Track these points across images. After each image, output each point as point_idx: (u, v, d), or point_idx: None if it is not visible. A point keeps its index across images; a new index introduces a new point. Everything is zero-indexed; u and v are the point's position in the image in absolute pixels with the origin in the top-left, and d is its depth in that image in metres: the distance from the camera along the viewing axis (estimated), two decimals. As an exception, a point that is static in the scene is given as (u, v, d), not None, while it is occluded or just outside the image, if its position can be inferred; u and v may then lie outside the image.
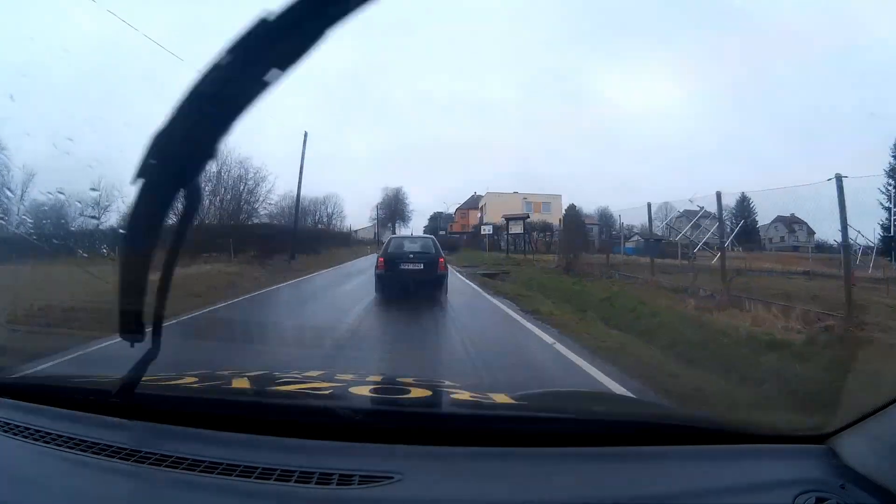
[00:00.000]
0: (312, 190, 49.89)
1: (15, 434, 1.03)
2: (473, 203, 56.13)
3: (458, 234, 49.09)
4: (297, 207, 22.98)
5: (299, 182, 21.78)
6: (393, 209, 54.94)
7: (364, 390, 1.34)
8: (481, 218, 46.74)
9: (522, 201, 41.28)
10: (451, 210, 58.63)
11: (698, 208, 11.69)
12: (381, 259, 9.00)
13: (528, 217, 32.47)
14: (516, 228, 27.66)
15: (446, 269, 9.53)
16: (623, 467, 0.94)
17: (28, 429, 1.03)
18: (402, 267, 8.77)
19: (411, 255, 9.01)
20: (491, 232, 31.04)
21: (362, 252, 29.98)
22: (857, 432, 0.97)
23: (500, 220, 32.35)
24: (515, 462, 0.94)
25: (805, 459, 0.97)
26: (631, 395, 3.35)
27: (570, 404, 1.45)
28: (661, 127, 64.68)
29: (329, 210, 50.14)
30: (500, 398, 1.24)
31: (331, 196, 50.35)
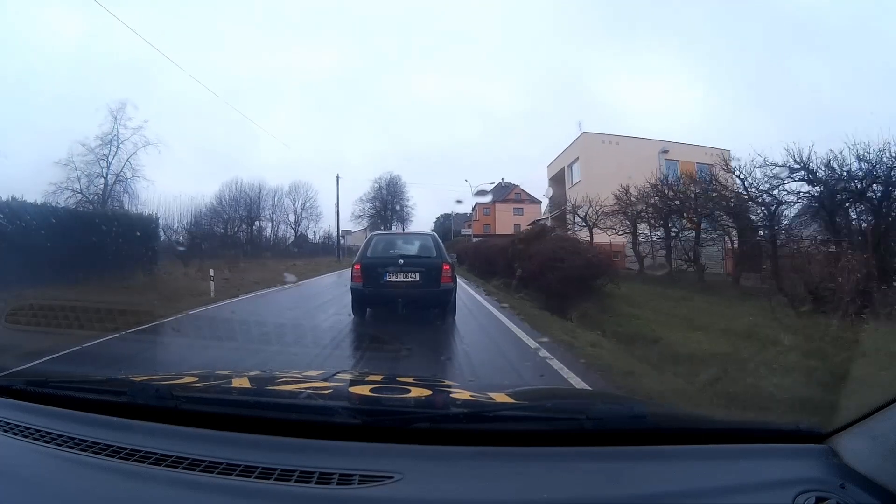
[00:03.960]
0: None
1: (15, 434, 1.03)
2: (501, 193, 40.12)
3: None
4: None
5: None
6: (385, 203, 40.56)
7: (364, 390, 1.34)
8: (553, 197, 26.82)
9: (661, 156, 21.37)
10: (471, 205, 39.61)
11: None
12: (358, 266, 6.53)
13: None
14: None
15: (453, 280, 6.93)
16: (623, 467, 0.94)
17: (28, 429, 1.03)
18: (389, 278, 6.38)
19: (402, 261, 6.52)
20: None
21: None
22: (857, 432, 0.97)
23: (598, 198, 17.34)
24: (515, 462, 0.94)
25: (805, 459, 0.97)
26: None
27: (570, 404, 1.45)
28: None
29: (297, 205, 37.01)
30: (500, 397, 1.24)
31: (300, 185, 36.89)
